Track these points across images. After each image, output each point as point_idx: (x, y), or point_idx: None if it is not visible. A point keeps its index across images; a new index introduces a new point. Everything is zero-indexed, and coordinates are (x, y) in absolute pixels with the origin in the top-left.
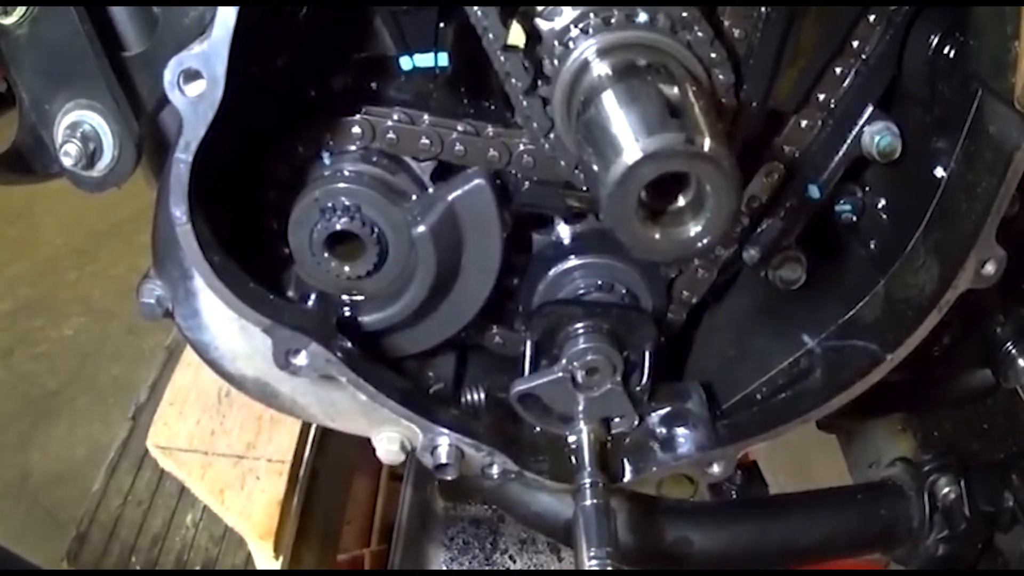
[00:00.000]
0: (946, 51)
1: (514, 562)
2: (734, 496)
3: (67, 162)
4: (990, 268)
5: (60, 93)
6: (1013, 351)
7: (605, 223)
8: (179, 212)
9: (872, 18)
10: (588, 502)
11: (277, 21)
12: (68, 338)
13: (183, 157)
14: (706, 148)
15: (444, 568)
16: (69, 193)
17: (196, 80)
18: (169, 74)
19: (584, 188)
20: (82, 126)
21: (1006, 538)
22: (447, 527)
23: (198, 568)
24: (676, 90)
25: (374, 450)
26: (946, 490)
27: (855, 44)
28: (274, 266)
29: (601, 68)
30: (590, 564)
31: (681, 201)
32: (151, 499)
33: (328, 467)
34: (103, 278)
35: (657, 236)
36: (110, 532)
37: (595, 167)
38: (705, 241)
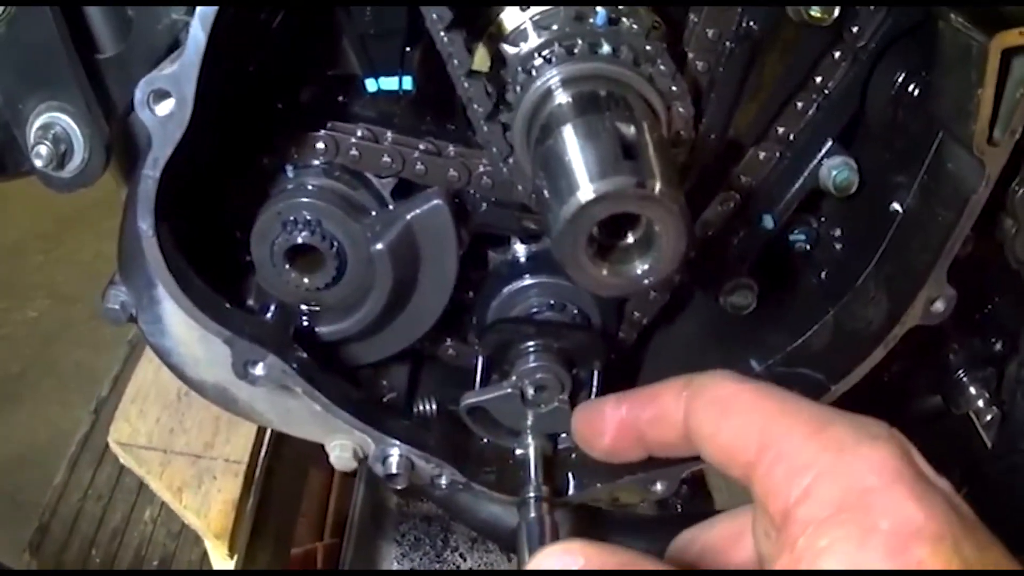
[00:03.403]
0: (910, 89)
1: (464, 560)
2: (679, 509)
3: (38, 163)
4: (939, 306)
5: (34, 94)
6: (964, 379)
7: (555, 257)
8: (145, 225)
9: (837, 55)
10: (532, 515)
11: (248, 39)
12: (32, 321)
13: (151, 174)
14: (656, 192)
15: (395, 564)
16: (36, 179)
17: (165, 99)
18: (139, 93)
19: (538, 212)
20: (54, 127)
21: None
22: (399, 523)
23: (155, 564)
24: (633, 129)
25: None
26: None
27: (818, 80)
28: (235, 274)
29: (562, 98)
30: None
31: (630, 238)
32: (111, 494)
33: (283, 467)
34: (69, 263)
35: (604, 272)
36: (71, 525)
37: (548, 198)
38: (651, 279)
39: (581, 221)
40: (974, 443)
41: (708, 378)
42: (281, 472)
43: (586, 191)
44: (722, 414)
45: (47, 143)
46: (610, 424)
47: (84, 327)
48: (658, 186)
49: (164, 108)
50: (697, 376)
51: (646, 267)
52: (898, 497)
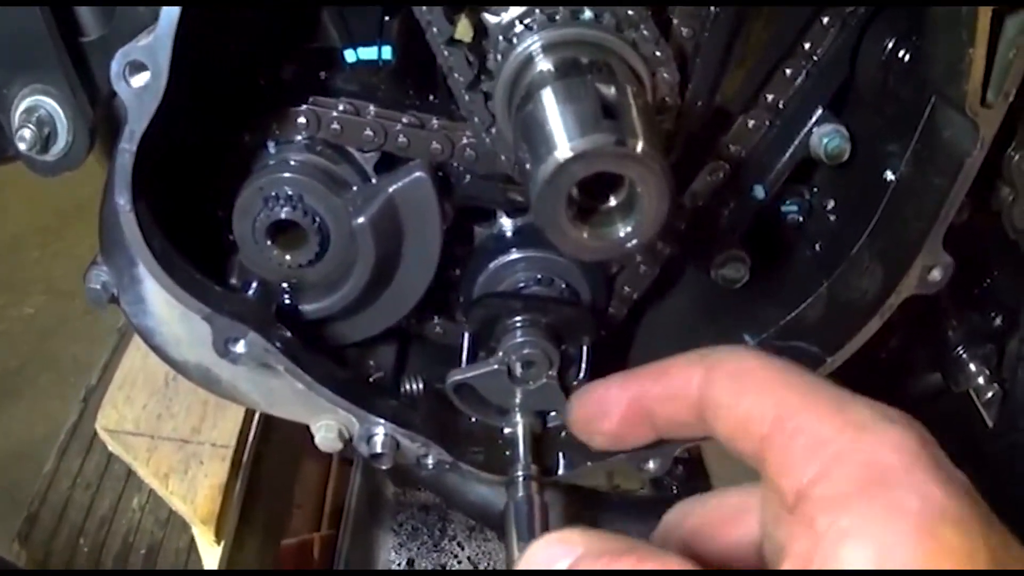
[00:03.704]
0: (901, 55)
1: (462, 549)
2: (675, 491)
3: (22, 146)
4: (936, 274)
5: (17, 78)
6: (964, 355)
7: (535, 221)
8: (123, 200)
9: (826, 20)
10: (520, 494)
11: (225, 12)
12: (29, 317)
13: (127, 147)
14: (638, 150)
15: (392, 554)
16: (33, 173)
17: (141, 72)
18: (115, 65)
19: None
20: (38, 111)
21: None
22: (396, 512)
23: (143, 552)
24: (614, 90)
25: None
26: None
27: (807, 46)
28: (218, 253)
29: (543, 64)
30: (520, 556)
31: (612, 201)
32: (99, 482)
33: (272, 452)
34: (66, 257)
35: (585, 235)
36: (60, 514)
37: (528, 164)
38: (634, 242)
39: (559, 181)
40: (974, 422)
41: (727, 351)
42: (270, 458)
43: (564, 149)
44: (740, 386)
45: (31, 126)
46: (615, 404)
47: (81, 322)
48: (640, 145)
49: (139, 80)
50: (714, 350)
51: (628, 229)
52: (921, 479)
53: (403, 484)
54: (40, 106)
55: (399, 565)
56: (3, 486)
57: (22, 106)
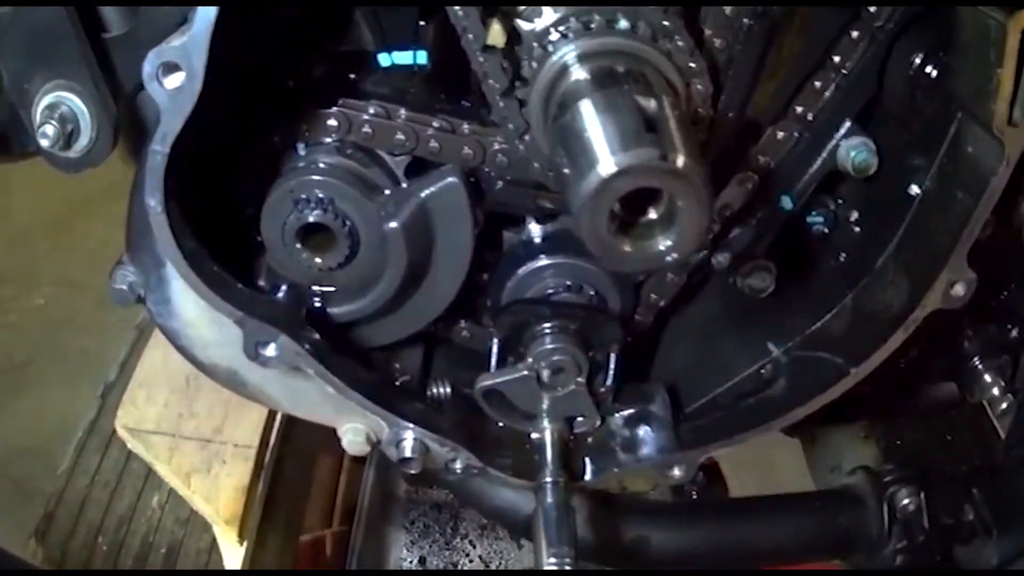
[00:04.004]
0: (928, 71)
1: (474, 547)
2: (694, 496)
3: (45, 143)
4: (960, 289)
5: (40, 74)
6: (979, 366)
7: (577, 232)
8: (154, 202)
9: (855, 34)
10: (549, 500)
11: (258, 13)
12: (39, 308)
13: (159, 149)
14: (680, 165)
15: (405, 551)
16: (44, 163)
17: (175, 73)
18: (148, 66)
19: (556, 190)
20: (60, 107)
21: (965, 550)
22: (408, 510)
23: (163, 551)
24: (653, 103)
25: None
26: (906, 501)
27: (836, 59)
28: (247, 255)
29: (579, 73)
30: (549, 563)
31: (652, 214)
32: (118, 480)
33: (293, 452)
34: (76, 249)
35: (627, 248)
36: (77, 512)
37: (568, 174)
38: (675, 255)
39: (603, 195)
40: (987, 433)
41: None
42: (291, 457)
43: (607, 164)
44: None
45: (54, 123)
46: None
47: (91, 314)
48: (681, 160)
49: (174, 81)
50: None
51: (669, 243)
52: None
53: (416, 482)
54: (63, 102)
55: (411, 563)
56: (14, 479)
57: (44, 102)
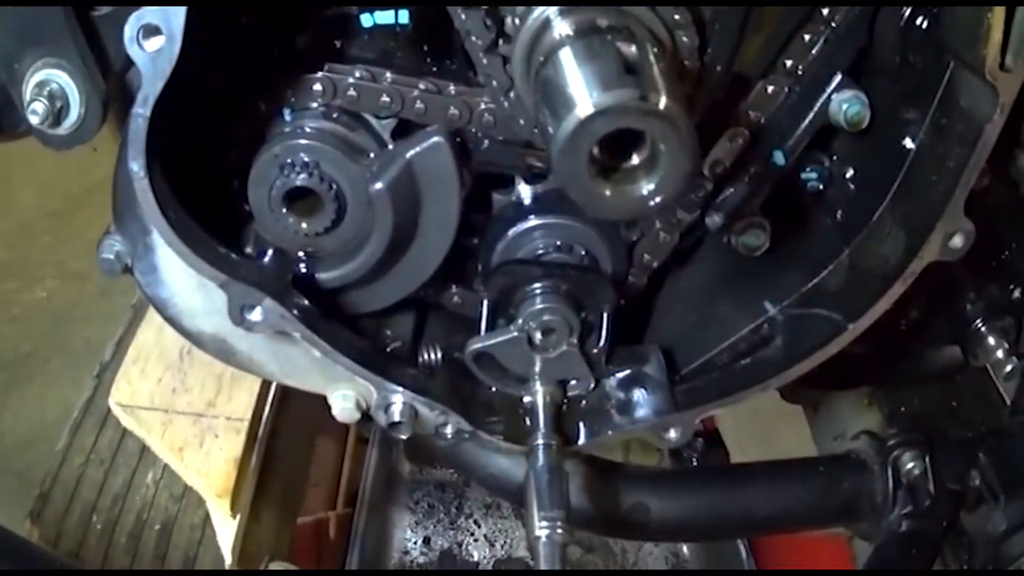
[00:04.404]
0: (918, 22)
1: (479, 526)
2: (694, 463)
3: (34, 120)
4: (957, 241)
5: (29, 52)
6: (983, 329)
7: (557, 180)
8: (136, 167)
9: None
10: (540, 463)
11: None
12: (41, 300)
13: (141, 111)
14: (661, 106)
15: (409, 532)
16: (44, 156)
17: (155, 36)
18: (129, 29)
19: (543, 148)
20: (49, 84)
21: (971, 517)
22: (412, 491)
23: (157, 528)
24: (635, 49)
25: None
26: (910, 465)
27: (825, 12)
28: (233, 223)
29: (562, 27)
30: (540, 526)
31: (635, 159)
32: (113, 458)
33: (288, 426)
34: (77, 241)
35: (608, 193)
36: (72, 491)
37: (548, 125)
38: (657, 200)
39: (582, 137)
40: (992, 397)
41: None
42: (286, 431)
43: (585, 106)
44: None
45: (43, 100)
46: None
47: (94, 305)
48: (662, 101)
49: (154, 44)
50: None
51: (652, 187)
52: None
53: (419, 462)
54: (52, 80)
55: (415, 543)
56: (17, 470)
57: (33, 80)
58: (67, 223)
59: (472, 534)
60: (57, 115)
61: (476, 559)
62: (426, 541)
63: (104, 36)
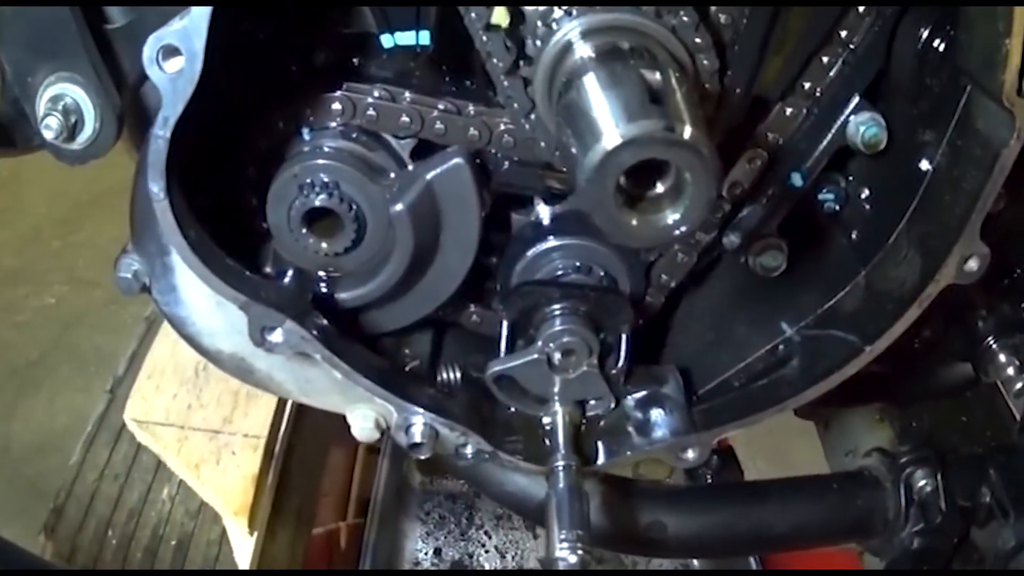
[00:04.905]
0: (935, 45)
1: (490, 538)
2: (709, 480)
3: (48, 135)
4: (973, 264)
5: (43, 66)
6: (994, 346)
7: (583, 207)
8: (156, 188)
9: (861, 9)
10: (561, 484)
11: None
12: (51, 307)
13: (161, 133)
14: (686, 136)
15: (420, 543)
16: (54, 163)
17: (175, 56)
18: (148, 50)
19: (564, 169)
20: (64, 99)
21: (982, 533)
22: (423, 501)
23: (173, 544)
24: (658, 76)
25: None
26: (922, 482)
27: (843, 34)
28: (252, 242)
29: (584, 50)
30: (561, 547)
31: (660, 188)
32: (127, 473)
33: (304, 442)
34: (87, 248)
35: (634, 222)
36: (87, 506)
37: (574, 150)
38: (683, 229)
39: (609, 168)
40: (1002, 414)
41: None
42: (302, 447)
43: (612, 137)
44: None
45: (57, 115)
46: None
47: (103, 312)
48: (688, 130)
49: (174, 65)
50: None
51: (677, 216)
52: None
53: (430, 471)
54: (66, 94)
55: (426, 554)
56: (26, 477)
57: (47, 94)
58: (76, 230)
59: (483, 545)
60: (72, 130)
61: None
62: (437, 552)
63: (118, 50)
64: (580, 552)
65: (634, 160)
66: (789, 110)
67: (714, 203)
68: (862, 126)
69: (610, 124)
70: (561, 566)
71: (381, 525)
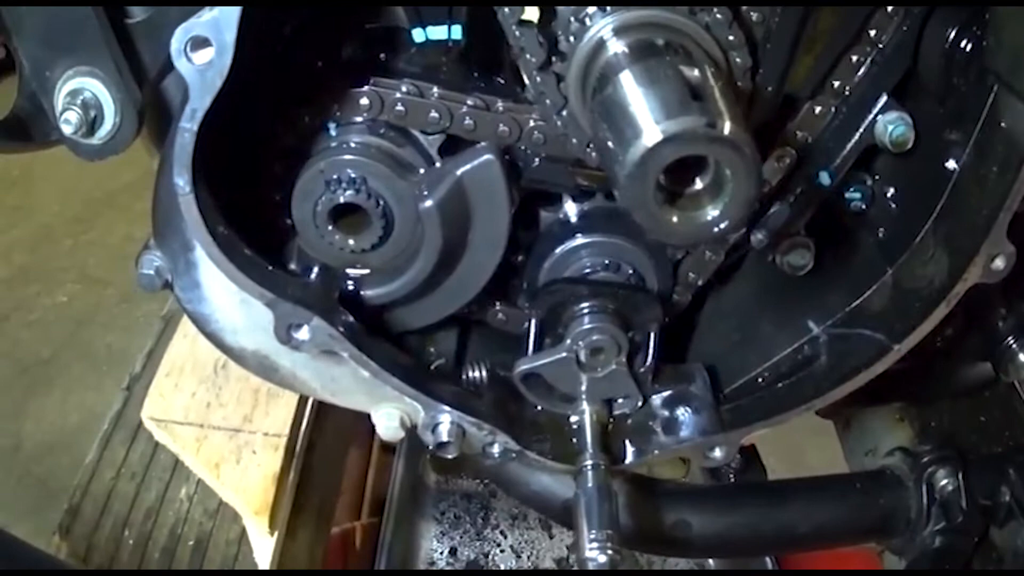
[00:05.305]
0: (963, 45)
1: (505, 537)
2: (732, 480)
3: (67, 130)
4: (999, 263)
5: (61, 60)
6: (1014, 345)
7: (622, 204)
8: (182, 182)
9: (890, 9)
10: (590, 484)
11: None
12: (63, 305)
13: (188, 126)
14: (727, 132)
15: (435, 543)
16: (66, 161)
17: (204, 48)
18: (176, 42)
19: (595, 166)
20: (83, 93)
21: (1001, 533)
22: (438, 501)
23: (191, 544)
24: (696, 72)
25: (372, 425)
26: (944, 482)
27: (872, 33)
28: (277, 238)
29: (618, 47)
30: (590, 547)
31: (699, 184)
32: (145, 472)
33: (324, 441)
34: (99, 246)
35: (675, 219)
36: (103, 505)
37: (612, 147)
38: (723, 225)
39: (649, 164)
40: (1021, 413)
41: None
42: (323, 446)
43: (653, 133)
44: None
45: (76, 109)
46: None
47: (115, 310)
48: (728, 126)
49: (203, 56)
50: None
51: (717, 212)
52: None
53: (445, 472)
54: (85, 88)
55: (441, 554)
56: (38, 475)
57: (66, 88)
58: (89, 228)
59: (498, 545)
60: (91, 125)
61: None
62: (452, 552)
63: (139, 44)
64: (610, 552)
65: (675, 156)
66: (818, 108)
67: (754, 199)
68: (890, 125)
69: (650, 121)
70: (591, 566)
71: (396, 525)
